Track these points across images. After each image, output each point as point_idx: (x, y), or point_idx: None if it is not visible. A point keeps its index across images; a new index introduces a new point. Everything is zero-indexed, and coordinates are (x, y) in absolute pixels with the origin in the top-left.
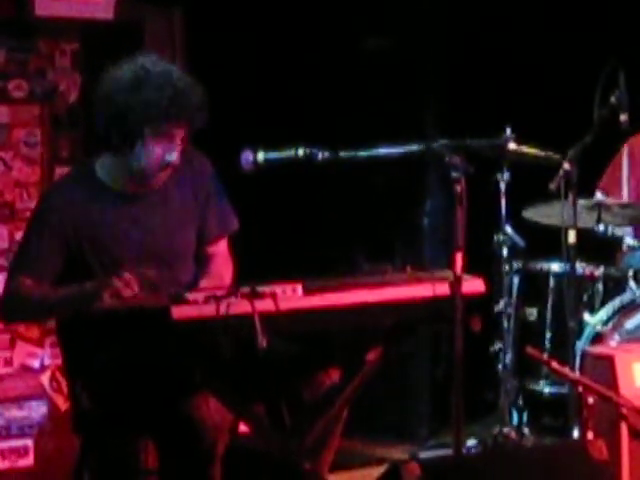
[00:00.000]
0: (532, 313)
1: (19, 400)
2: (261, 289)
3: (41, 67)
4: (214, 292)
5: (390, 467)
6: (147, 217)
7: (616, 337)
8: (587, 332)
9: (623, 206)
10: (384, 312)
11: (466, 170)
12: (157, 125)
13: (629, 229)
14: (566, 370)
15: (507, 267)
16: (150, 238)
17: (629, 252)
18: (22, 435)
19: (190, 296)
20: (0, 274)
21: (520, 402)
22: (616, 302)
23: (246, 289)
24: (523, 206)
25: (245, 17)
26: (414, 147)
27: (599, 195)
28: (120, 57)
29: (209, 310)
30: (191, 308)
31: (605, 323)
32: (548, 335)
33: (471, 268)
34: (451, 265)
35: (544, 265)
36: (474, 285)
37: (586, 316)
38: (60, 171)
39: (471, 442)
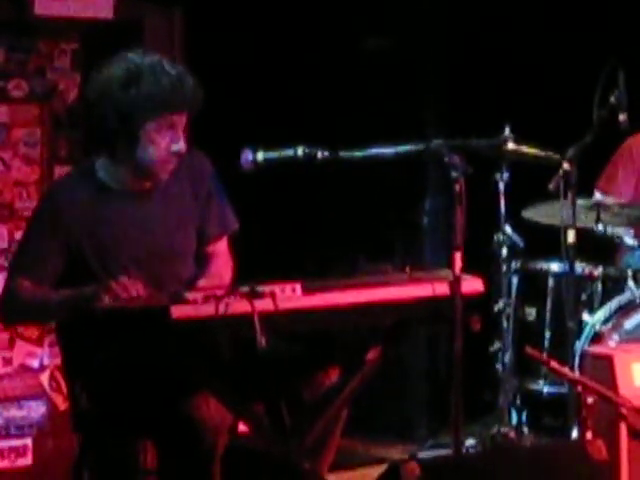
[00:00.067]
0: (531, 313)
1: (18, 400)
2: (260, 289)
3: (41, 67)
4: (213, 292)
5: (390, 467)
6: (147, 216)
7: (615, 337)
8: (586, 332)
9: (622, 206)
10: (384, 312)
11: (465, 170)
12: (159, 117)
13: (628, 229)
14: (565, 370)
15: (506, 267)
16: (150, 237)
17: (628, 252)
18: (21, 435)
19: (189, 296)
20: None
21: (519, 402)
22: (615, 302)
23: (245, 289)
24: (522, 206)
25: (245, 16)
26: (414, 147)
27: (598, 195)
28: None
29: (208, 310)
30: (190, 308)
31: (604, 323)
32: (547, 335)
33: (470, 268)
34: (450, 265)
35: (543, 265)
36: (473, 285)
37: (585, 316)
38: (59, 171)
39: (470, 442)
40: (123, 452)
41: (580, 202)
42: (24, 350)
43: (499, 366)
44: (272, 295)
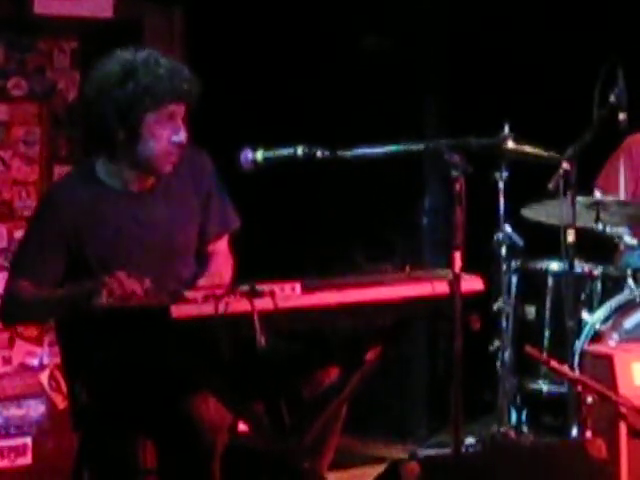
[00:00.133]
0: (531, 312)
1: (18, 399)
2: (260, 288)
3: (40, 65)
4: (213, 291)
5: (389, 466)
6: (148, 215)
7: (615, 336)
8: (586, 331)
9: (622, 205)
10: (383, 311)
11: (465, 169)
12: (158, 108)
13: (627, 228)
14: (565, 369)
15: (506, 266)
16: (151, 237)
17: (628, 251)
18: (21, 434)
19: (189, 295)
20: None
21: (519, 401)
22: (615, 301)
23: (245, 288)
24: (522, 205)
25: (245, 16)
26: (413, 146)
27: (598, 194)
28: None
29: (208, 309)
30: (190, 307)
31: (604, 322)
32: (547, 334)
33: (470, 267)
34: (450, 264)
35: (543, 264)
36: (473, 284)
37: (585, 315)
38: (59, 170)
39: (470, 441)
40: (123, 451)
41: (580, 201)
42: (23, 349)
43: (499, 365)
44: (272, 294)
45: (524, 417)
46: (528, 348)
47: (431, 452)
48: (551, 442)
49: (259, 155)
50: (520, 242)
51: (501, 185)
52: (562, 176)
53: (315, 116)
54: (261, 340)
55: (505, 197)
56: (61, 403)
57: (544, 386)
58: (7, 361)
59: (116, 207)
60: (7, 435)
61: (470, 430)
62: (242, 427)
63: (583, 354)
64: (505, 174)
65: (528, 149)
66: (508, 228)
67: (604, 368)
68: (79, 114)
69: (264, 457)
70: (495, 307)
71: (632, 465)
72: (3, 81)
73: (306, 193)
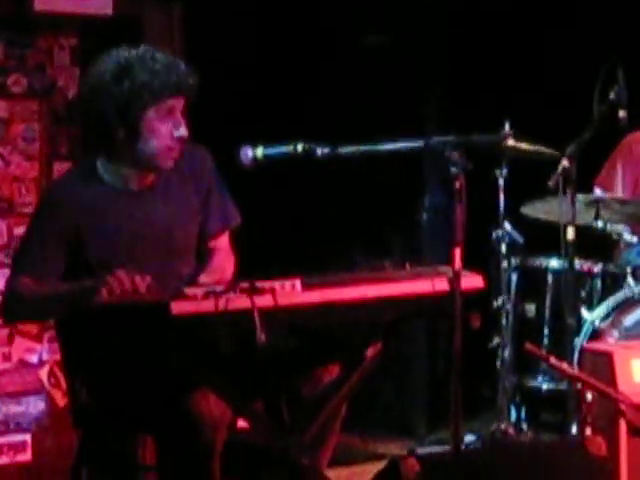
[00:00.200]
0: (530, 309)
1: (17, 395)
2: (260, 284)
3: (40, 62)
4: (213, 287)
5: (390, 463)
6: (148, 213)
7: (614, 333)
8: (585, 328)
9: (622, 202)
10: (383, 308)
11: (465, 166)
12: (157, 103)
13: (627, 225)
14: (565, 366)
15: (505, 263)
16: (151, 234)
17: (627, 248)
18: (20, 430)
19: (189, 291)
20: None
21: (518, 398)
22: (614, 299)
23: (245, 284)
24: (522, 202)
25: (244, 12)
26: (413, 143)
27: (598, 191)
28: None
29: (208, 305)
30: (190, 303)
31: (603, 319)
32: (546, 331)
33: (469, 264)
34: (450, 261)
35: (542, 261)
36: (473, 281)
37: (584, 312)
38: (59, 166)
39: (469, 438)
40: (122, 447)
41: (579, 198)
42: (23, 346)
43: (498, 362)
44: (272, 291)
45: (524, 414)
46: (528, 345)
47: (430, 449)
48: (551, 439)
49: (259, 152)
50: (520, 239)
51: (501, 182)
52: (562, 174)
53: (315, 113)
54: (261, 337)
55: (505, 194)
56: (61, 400)
57: (544, 383)
58: (7, 357)
59: (116, 205)
60: (6, 432)
61: (470, 427)
62: (242, 424)
63: (583, 351)
64: (505, 171)
65: (528, 146)
66: (508, 225)
67: (604, 365)
68: (77, 114)
69: (264, 454)
70: (495, 304)
71: (632, 462)
72: (3, 78)
73: (306, 190)
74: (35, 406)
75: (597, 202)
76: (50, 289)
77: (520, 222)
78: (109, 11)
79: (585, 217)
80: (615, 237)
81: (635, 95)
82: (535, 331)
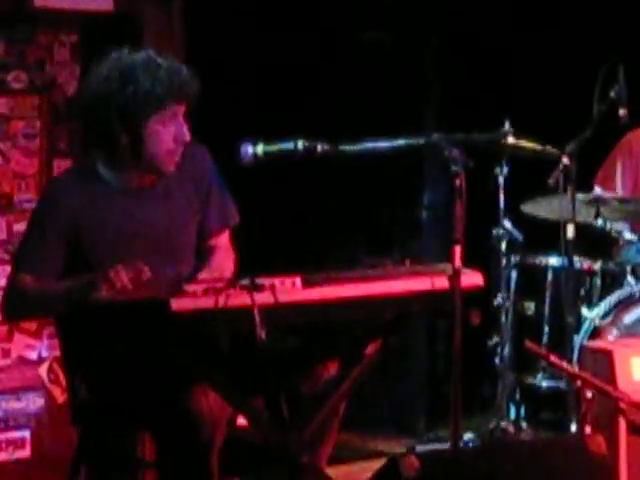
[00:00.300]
0: (530, 307)
1: (16, 392)
2: (260, 282)
3: (40, 58)
4: (213, 284)
5: (389, 461)
6: (148, 212)
7: (614, 332)
8: (585, 327)
9: (621, 201)
10: (383, 305)
11: (466, 164)
12: (161, 109)
13: (627, 224)
14: (564, 364)
15: (505, 261)
16: (150, 233)
17: (627, 246)
18: (19, 427)
19: (189, 288)
20: None
21: (518, 396)
22: (614, 297)
23: (245, 282)
24: (522, 200)
25: (244, 9)
26: (414, 141)
27: (598, 190)
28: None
29: (208, 302)
30: (190, 300)
31: (603, 317)
32: (546, 329)
33: (469, 262)
34: (450, 259)
35: (542, 259)
36: (473, 279)
37: (584, 310)
38: (59, 163)
39: (468, 436)
40: (122, 444)
41: (579, 197)
42: (22, 342)
43: (497, 360)
44: (272, 288)
45: (523, 412)
46: (528, 343)
47: (429, 447)
48: (550, 437)
49: (259, 149)
50: (520, 237)
51: (501, 180)
52: (562, 172)
53: (315, 110)
54: (261, 334)
55: (505, 192)
56: (60, 396)
57: (543, 381)
58: (6, 354)
59: (116, 204)
60: (6, 428)
61: (469, 425)
62: (241, 421)
63: (582, 349)
64: (505, 169)
65: (528, 145)
66: (508, 223)
67: (603, 363)
68: (79, 118)
69: (263, 451)
70: (494, 302)
71: (631, 460)
72: (3, 74)
73: (306, 187)
74: (34, 402)
75: (597, 200)
76: (51, 286)
77: (520, 220)
78: (109, 7)
79: (585, 215)
80: (615, 235)
81: (635, 93)
82: (535, 329)
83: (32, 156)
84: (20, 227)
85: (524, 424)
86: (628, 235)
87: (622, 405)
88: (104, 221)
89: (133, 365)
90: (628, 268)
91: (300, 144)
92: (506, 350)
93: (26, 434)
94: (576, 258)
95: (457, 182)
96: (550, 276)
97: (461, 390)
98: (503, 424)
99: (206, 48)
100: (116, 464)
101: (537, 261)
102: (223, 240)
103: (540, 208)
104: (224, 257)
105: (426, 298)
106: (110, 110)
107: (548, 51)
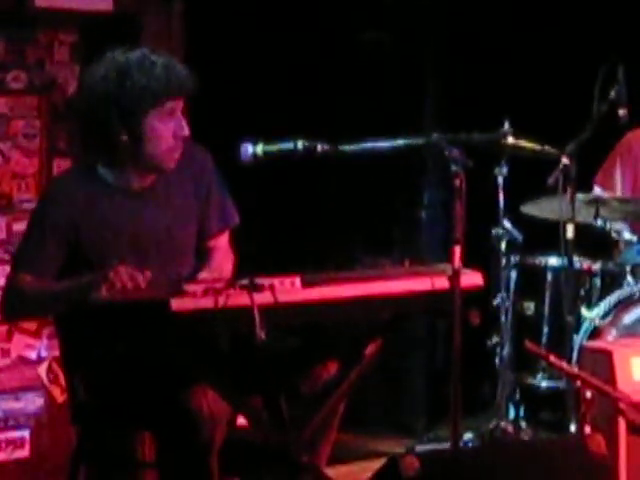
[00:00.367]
0: (529, 307)
1: (16, 392)
2: (260, 282)
3: (40, 58)
4: (213, 284)
5: (389, 461)
6: (148, 212)
7: (614, 332)
8: (585, 327)
9: (621, 201)
10: (383, 305)
11: (465, 164)
12: (159, 105)
13: (626, 224)
14: (564, 364)
15: (505, 261)
16: (151, 233)
17: (627, 247)
18: (19, 427)
19: (189, 288)
20: None
21: (517, 396)
22: (614, 297)
23: (245, 282)
24: (521, 200)
25: (244, 10)
26: (414, 140)
27: (597, 190)
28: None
29: (208, 302)
30: (190, 300)
31: (603, 318)
32: (545, 329)
33: (469, 262)
34: (450, 259)
35: (542, 259)
36: (473, 279)
37: (584, 311)
38: (58, 163)
39: (468, 436)
40: (121, 444)
41: (579, 197)
42: (22, 342)
43: (497, 360)
44: (271, 288)
45: (522, 412)
46: (528, 343)
47: (429, 447)
48: (549, 437)
49: (259, 149)
50: (519, 237)
51: (500, 180)
52: (562, 172)
53: (315, 110)
54: (261, 334)
55: (504, 192)
56: (59, 396)
57: (543, 381)
58: (5, 354)
59: (116, 205)
60: (5, 428)
61: (468, 425)
62: (241, 421)
63: (582, 349)
64: (505, 169)
65: (528, 145)
66: (507, 223)
67: (603, 363)
68: (78, 119)
69: (263, 451)
70: (494, 302)
71: (631, 461)
72: (3, 74)
73: (306, 187)
74: (34, 402)
75: (597, 200)
76: (50, 286)
77: (520, 220)
78: (109, 7)
79: (585, 215)
80: (614, 235)
81: (635, 93)
82: (534, 329)
83: (32, 156)
84: (20, 227)
85: (524, 424)
86: (628, 235)
87: (622, 405)
88: (104, 221)
89: (133, 365)
90: (628, 268)
91: (300, 144)
92: (506, 350)
93: (25, 434)
94: (576, 258)
95: (457, 182)
96: (550, 276)
97: (461, 390)
98: (503, 424)
99: (206, 48)
100: (116, 464)
101: (537, 261)
102: (223, 241)
103: (540, 208)
104: (223, 258)
105: (426, 298)
106: (109, 110)
107: (548, 51)
